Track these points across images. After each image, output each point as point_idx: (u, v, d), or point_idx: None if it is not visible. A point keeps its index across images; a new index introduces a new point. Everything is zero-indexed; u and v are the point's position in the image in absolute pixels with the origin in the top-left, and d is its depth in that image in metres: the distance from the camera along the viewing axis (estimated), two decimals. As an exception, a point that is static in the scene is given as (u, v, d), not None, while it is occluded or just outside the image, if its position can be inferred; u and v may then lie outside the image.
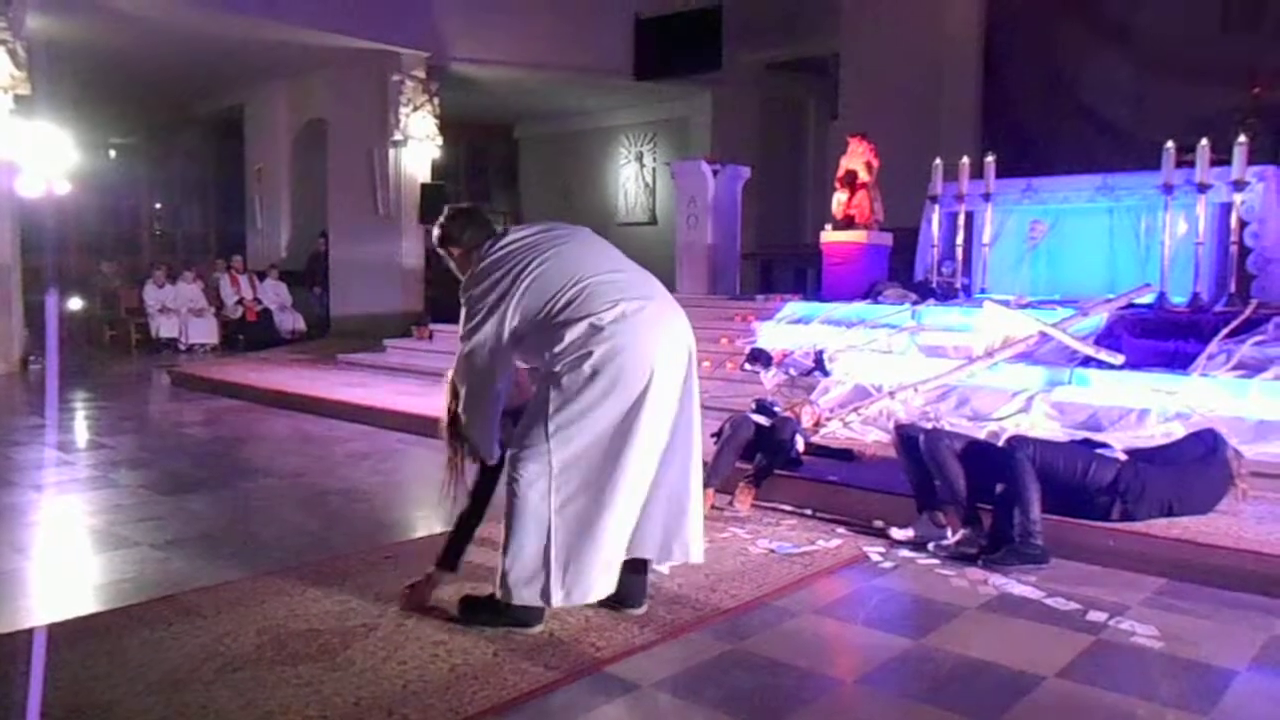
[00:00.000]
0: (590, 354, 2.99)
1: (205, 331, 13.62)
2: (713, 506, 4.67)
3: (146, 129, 18.26)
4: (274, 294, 14.43)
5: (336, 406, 7.90)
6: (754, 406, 5.30)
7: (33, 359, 10.87)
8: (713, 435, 5.11)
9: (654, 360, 3.06)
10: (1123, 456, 4.16)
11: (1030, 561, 3.86)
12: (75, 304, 15.19)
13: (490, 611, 3.20)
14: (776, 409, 5.31)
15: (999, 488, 4.05)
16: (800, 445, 5.06)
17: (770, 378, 7.03)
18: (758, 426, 4.99)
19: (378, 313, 13.26)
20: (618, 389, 3.01)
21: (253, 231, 16.49)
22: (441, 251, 3.45)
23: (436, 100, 13.73)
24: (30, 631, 3.11)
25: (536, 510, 3.06)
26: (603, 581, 3.09)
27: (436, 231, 3.42)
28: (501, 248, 3.18)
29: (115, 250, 17.61)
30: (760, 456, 4.94)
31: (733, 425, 4.99)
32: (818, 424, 5.67)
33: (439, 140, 13.86)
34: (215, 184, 18.60)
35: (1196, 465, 4.24)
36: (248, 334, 13.80)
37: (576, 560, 3.04)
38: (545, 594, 3.05)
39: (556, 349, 3.04)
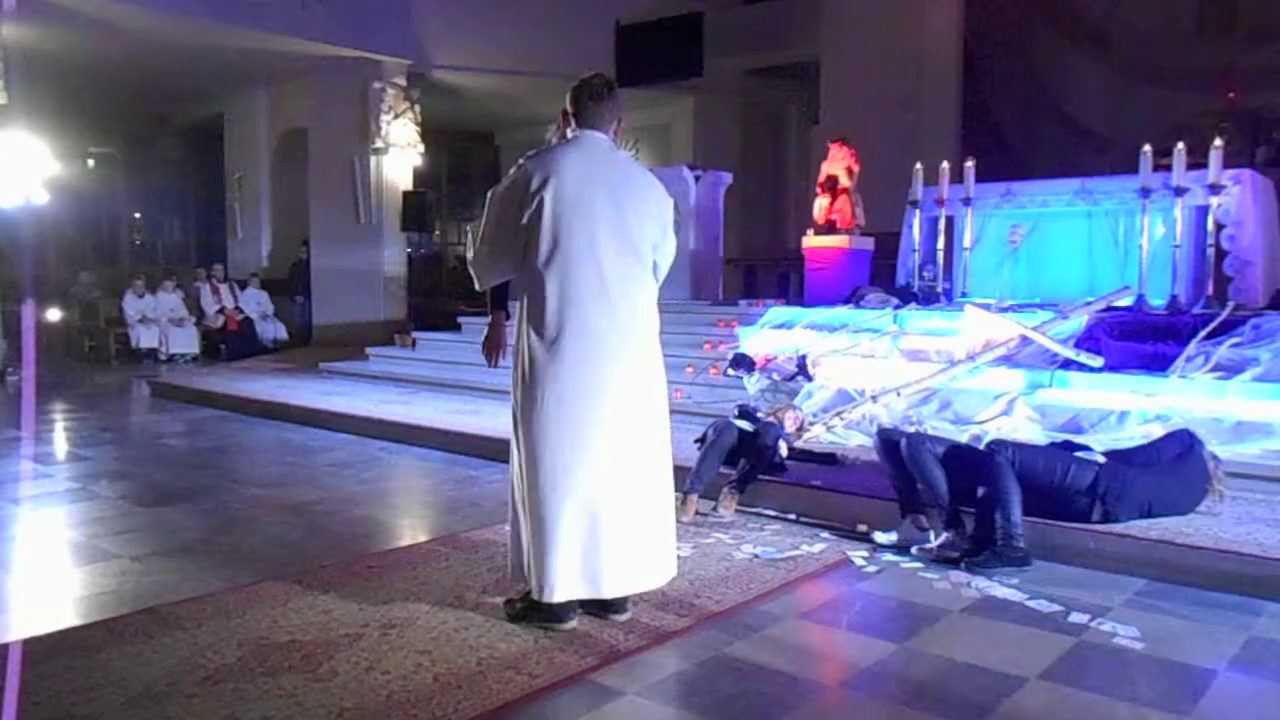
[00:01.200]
0: (551, 354, 3.13)
1: (186, 341, 13.54)
2: (696, 512, 4.67)
3: (125, 138, 18.13)
4: (255, 303, 14.35)
5: (319, 415, 7.86)
6: (737, 412, 5.31)
7: (10, 371, 10.77)
8: (695, 441, 5.11)
9: (599, 386, 3.15)
10: (1101, 459, 4.19)
11: (1013, 564, 3.88)
12: (54, 315, 15.06)
13: (525, 609, 3.29)
14: (760, 414, 5.32)
15: (980, 491, 4.07)
16: (784, 450, 5.07)
17: (753, 383, 7.04)
18: (741, 432, 5.00)
19: (360, 321, 13.21)
20: (566, 401, 3.12)
21: (233, 240, 16.40)
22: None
23: (418, 107, 13.71)
24: (8, 647, 3.07)
25: (511, 497, 3.24)
26: (565, 582, 3.13)
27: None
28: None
29: (94, 260, 17.48)
30: (744, 462, 4.95)
31: (716, 431, 4.99)
32: (801, 428, 5.68)
33: (420, 148, 13.84)
34: (195, 193, 18.49)
35: (1173, 465, 4.28)
36: (229, 343, 13.72)
37: (539, 554, 3.14)
38: (535, 586, 3.17)
39: (528, 323, 3.18)
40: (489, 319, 3.51)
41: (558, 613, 3.20)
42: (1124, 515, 4.09)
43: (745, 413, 5.26)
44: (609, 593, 3.22)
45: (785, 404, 5.95)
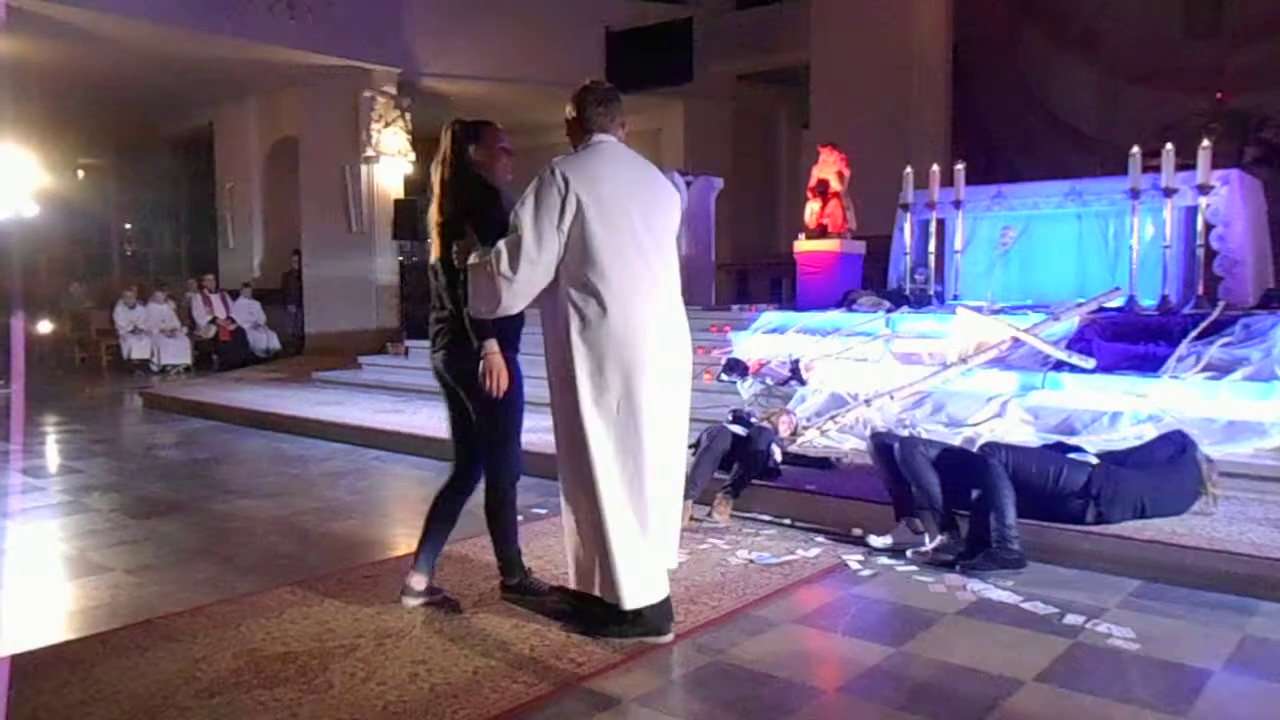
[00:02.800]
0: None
1: (178, 352, 13.50)
2: (691, 518, 4.67)
3: (115, 148, 18.09)
4: (247, 313, 14.32)
5: (312, 425, 7.84)
6: (730, 417, 5.31)
7: (1, 384, 10.72)
8: (690, 446, 5.11)
9: (674, 381, 3.25)
10: (1095, 460, 4.20)
11: (1007, 566, 3.89)
12: (45, 326, 15.01)
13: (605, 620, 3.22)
14: (753, 419, 5.32)
15: (974, 494, 4.08)
16: (778, 455, 5.07)
17: (747, 388, 7.05)
18: (735, 437, 5.00)
19: (353, 330, 13.20)
20: (655, 399, 3.17)
21: (225, 250, 16.37)
22: None
23: (408, 116, 13.71)
24: (2, 661, 3.06)
25: (580, 503, 3.25)
26: (636, 583, 3.11)
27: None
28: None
29: (85, 271, 17.43)
30: (737, 467, 4.95)
31: (709, 436, 4.99)
32: (795, 432, 5.68)
33: (411, 156, 13.84)
34: (186, 203, 18.45)
35: (1166, 466, 4.29)
36: (221, 354, 13.69)
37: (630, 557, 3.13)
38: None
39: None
40: (483, 350, 3.27)
41: (650, 620, 3.17)
42: (1117, 516, 4.10)
43: (739, 418, 5.27)
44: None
45: (779, 409, 5.95)
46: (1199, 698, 2.81)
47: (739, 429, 5.06)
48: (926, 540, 4.17)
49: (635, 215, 3.13)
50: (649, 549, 3.13)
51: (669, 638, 3.19)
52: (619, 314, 3.07)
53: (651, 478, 3.12)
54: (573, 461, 3.19)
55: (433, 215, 3.40)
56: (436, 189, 3.43)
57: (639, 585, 3.11)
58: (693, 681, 2.95)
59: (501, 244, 3.09)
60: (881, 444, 4.38)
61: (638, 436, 3.10)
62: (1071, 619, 3.40)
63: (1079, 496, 4.08)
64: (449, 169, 3.40)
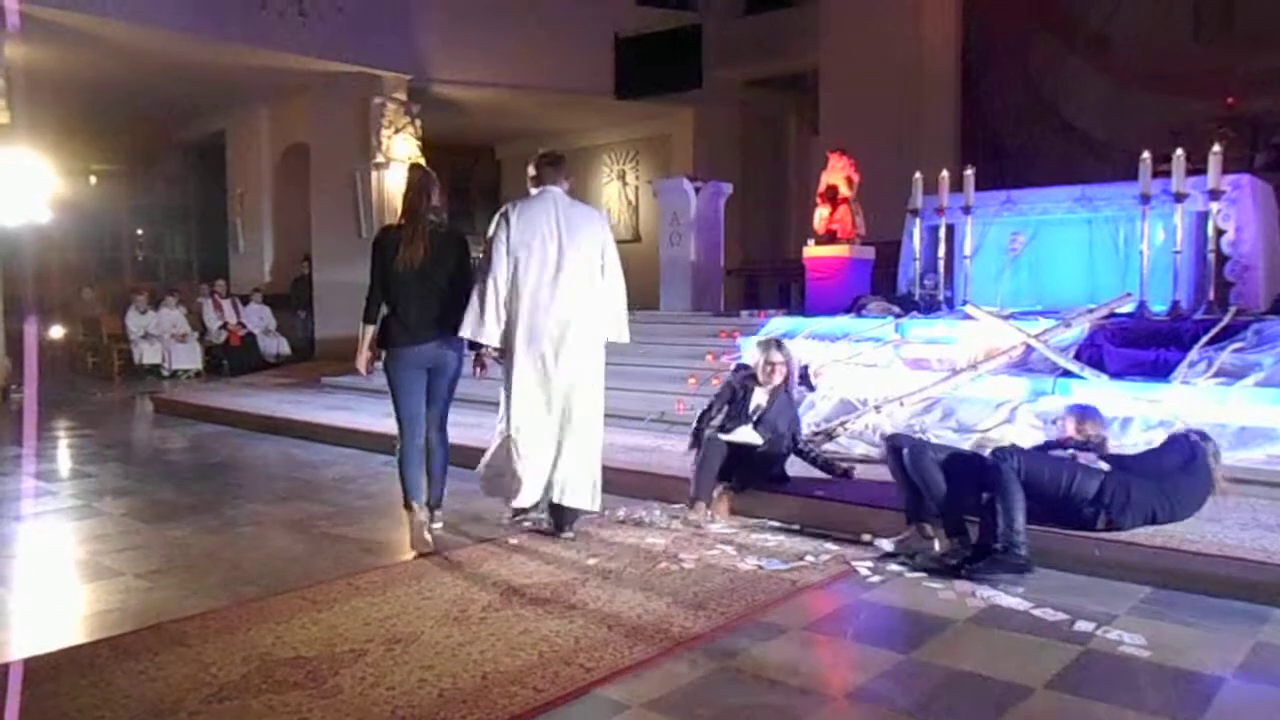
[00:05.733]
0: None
1: (189, 357, 13.55)
2: (686, 520, 4.72)
3: (127, 155, 18.19)
4: (258, 318, 14.37)
5: (322, 430, 7.86)
6: (735, 367, 5.55)
7: (14, 388, 10.77)
8: (689, 449, 5.13)
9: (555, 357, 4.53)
10: (1106, 467, 4.18)
11: (1013, 571, 3.87)
12: (57, 331, 15.08)
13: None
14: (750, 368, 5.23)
15: (984, 497, 4.07)
16: (812, 378, 5.06)
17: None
18: (730, 446, 4.96)
19: (362, 335, 13.19)
20: (535, 370, 4.55)
21: (235, 256, 16.44)
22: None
23: (418, 122, 13.74)
24: (11, 665, 3.07)
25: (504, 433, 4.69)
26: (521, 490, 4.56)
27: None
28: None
29: (97, 276, 17.51)
30: (736, 477, 4.94)
31: (703, 448, 4.96)
32: (805, 378, 5.66)
33: (421, 162, 13.86)
34: (197, 209, 18.53)
35: (1178, 474, 4.26)
36: (232, 359, 13.73)
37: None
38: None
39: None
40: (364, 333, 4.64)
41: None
42: (1129, 524, 4.09)
43: (743, 373, 5.22)
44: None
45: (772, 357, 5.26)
46: (1210, 705, 2.79)
47: (753, 438, 4.99)
48: (936, 545, 4.16)
49: (557, 241, 4.47)
50: (533, 468, 4.51)
51: (569, 534, 4.60)
52: (528, 305, 4.45)
53: (526, 420, 4.48)
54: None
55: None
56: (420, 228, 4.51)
57: (496, 484, 4.68)
58: (701, 687, 2.94)
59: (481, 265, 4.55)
60: (893, 446, 4.37)
61: (525, 393, 4.48)
62: (1082, 626, 3.39)
63: (1091, 504, 4.06)
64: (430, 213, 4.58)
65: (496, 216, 4.54)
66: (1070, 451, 4.32)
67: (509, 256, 4.42)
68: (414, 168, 4.78)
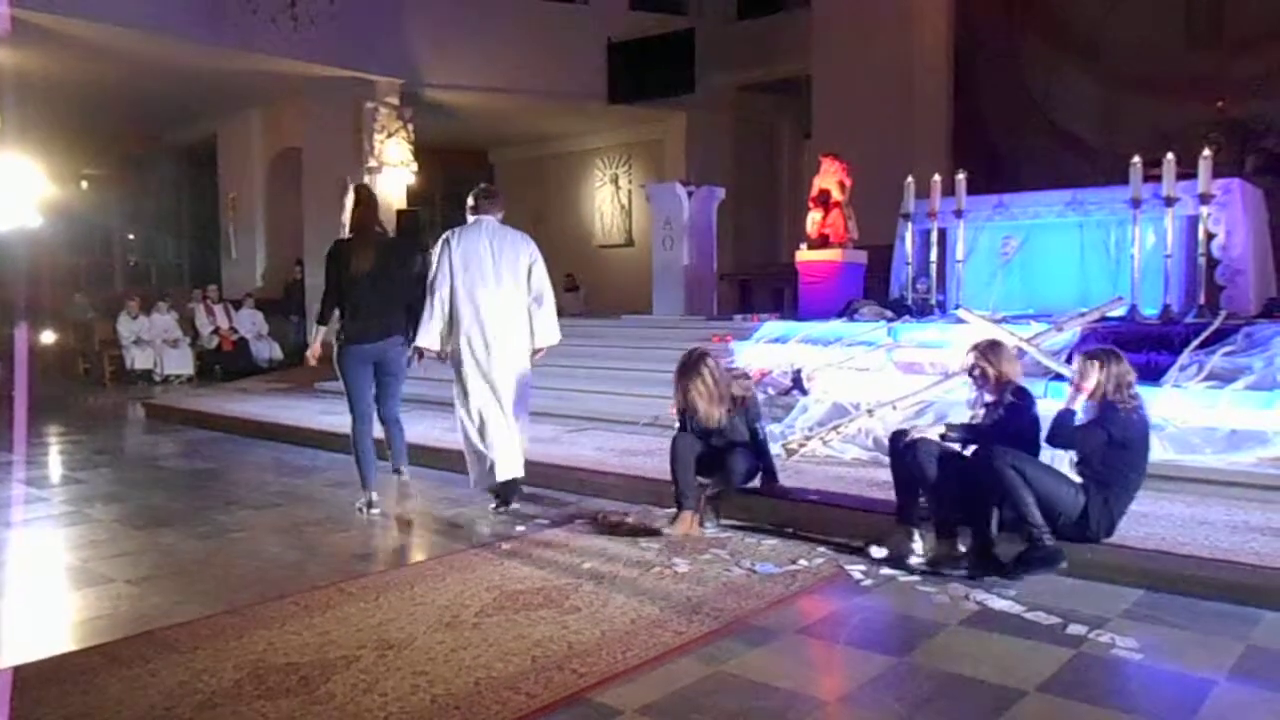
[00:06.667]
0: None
1: (181, 362, 13.51)
2: (666, 528, 4.71)
3: (119, 159, 18.16)
4: (250, 323, 14.34)
5: (314, 435, 7.83)
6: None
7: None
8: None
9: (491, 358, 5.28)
10: (1077, 479, 4.06)
11: (1049, 563, 3.85)
12: (48, 337, 15.03)
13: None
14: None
15: (978, 500, 4.04)
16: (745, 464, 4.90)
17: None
18: (704, 443, 4.87)
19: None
20: (478, 369, 5.29)
21: (228, 261, 16.41)
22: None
23: (410, 126, 13.75)
24: (2, 673, 3.06)
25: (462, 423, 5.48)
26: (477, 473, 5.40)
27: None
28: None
29: (88, 281, 17.48)
30: (713, 480, 4.87)
31: (675, 443, 4.86)
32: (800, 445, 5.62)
33: (414, 166, 13.88)
34: (189, 213, 18.51)
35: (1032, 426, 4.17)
36: (224, 364, 13.71)
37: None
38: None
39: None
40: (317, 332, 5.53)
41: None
42: (1107, 533, 4.04)
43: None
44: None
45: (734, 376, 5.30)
46: (1202, 708, 2.80)
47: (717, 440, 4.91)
48: (916, 547, 4.14)
49: (485, 261, 5.24)
50: (486, 450, 5.24)
51: (512, 505, 5.32)
52: (467, 311, 5.23)
53: (478, 407, 5.24)
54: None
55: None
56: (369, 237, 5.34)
57: (479, 474, 5.33)
58: (695, 692, 2.94)
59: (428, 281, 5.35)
60: (895, 435, 4.38)
61: (471, 383, 5.25)
62: (1074, 629, 3.39)
63: (1075, 526, 3.99)
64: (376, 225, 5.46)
65: (439, 243, 5.35)
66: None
67: (450, 275, 5.23)
68: (359, 188, 5.50)
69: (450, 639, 3.33)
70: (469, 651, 3.21)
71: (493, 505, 5.33)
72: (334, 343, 5.35)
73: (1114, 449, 4.01)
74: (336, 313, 5.32)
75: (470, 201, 5.43)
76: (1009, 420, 4.24)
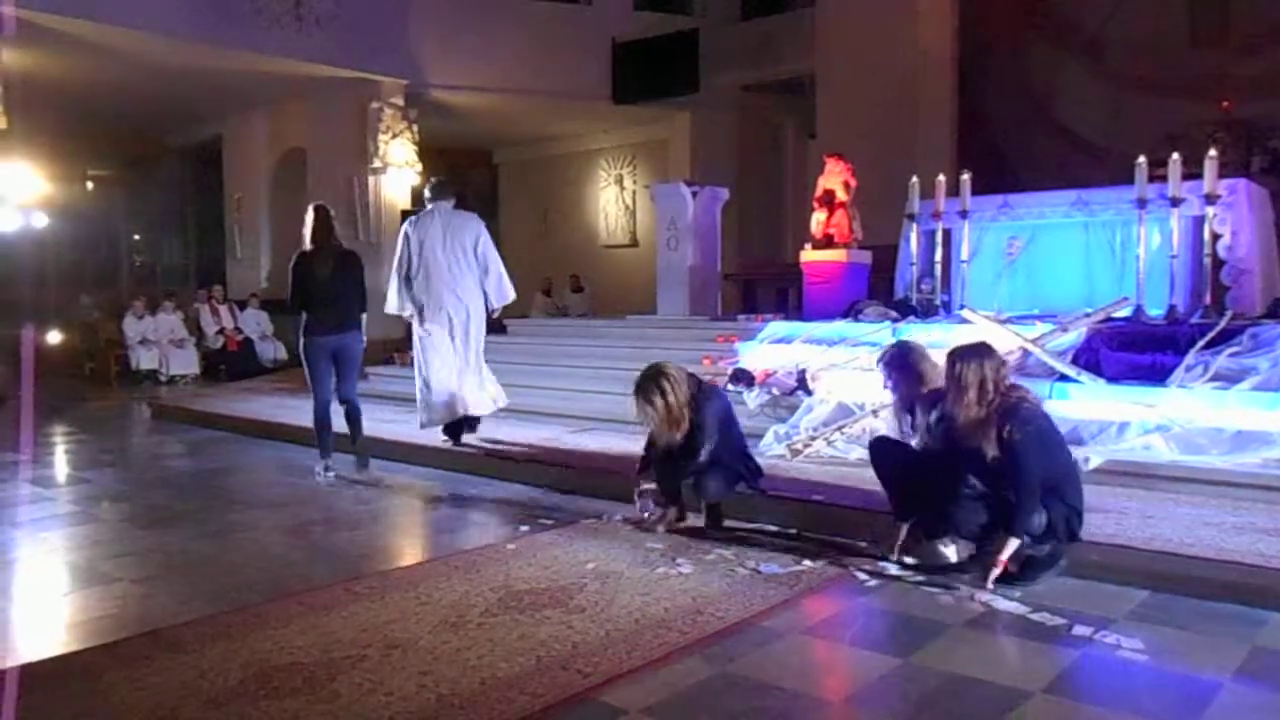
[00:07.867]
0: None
1: (186, 362, 13.54)
2: (641, 523, 4.78)
3: (124, 160, 18.18)
4: (255, 323, 14.37)
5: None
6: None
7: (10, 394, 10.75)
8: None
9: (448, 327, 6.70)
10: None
11: (1049, 565, 3.85)
12: (54, 337, 15.06)
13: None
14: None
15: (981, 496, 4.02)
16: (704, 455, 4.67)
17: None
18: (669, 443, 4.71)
19: (360, 340, 13.21)
20: (434, 337, 6.73)
21: (233, 261, 16.43)
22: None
23: (415, 127, 13.76)
24: (9, 672, 3.07)
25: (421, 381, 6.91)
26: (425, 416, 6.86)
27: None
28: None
29: (94, 282, 17.49)
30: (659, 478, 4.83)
31: (646, 444, 4.85)
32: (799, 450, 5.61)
33: (418, 167, 13.88)
34: (194, 214, 18.52)
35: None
36: (229, 364, 13.73)
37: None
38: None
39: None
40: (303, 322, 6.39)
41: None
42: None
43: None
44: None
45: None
46: (1208, 709, 2.79)
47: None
48: (954, 552, 4.12)
49: (440, 243, 6.57)
50: (435, 400, 6.67)
51: (470, 437, 6.82)
52: (427, 282, 6.62)
53: (436, 362, 6.62)
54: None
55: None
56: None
57: (427, 418, 6.76)
58: (699, 692, 2.94)
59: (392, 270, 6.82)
60: (871, 442, 4.37)
61: (430, 340, 6.65)
62: (1080, 630, 3.38)
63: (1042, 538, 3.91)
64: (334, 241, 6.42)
65: (402, 227, 6.79)
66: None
67: (410, 254, 6.61)
68: (318, 208, 6.40)
69: (455, 639, 3.33)
70: (474, 651, 3.21)
71: (443, 439, 6.74)
72: (299, 337, 6.36)
73: (1045, 449, 3.83)
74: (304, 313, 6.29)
75: (426, 193, 6.84)
76: (1022, 461, 3.74)
